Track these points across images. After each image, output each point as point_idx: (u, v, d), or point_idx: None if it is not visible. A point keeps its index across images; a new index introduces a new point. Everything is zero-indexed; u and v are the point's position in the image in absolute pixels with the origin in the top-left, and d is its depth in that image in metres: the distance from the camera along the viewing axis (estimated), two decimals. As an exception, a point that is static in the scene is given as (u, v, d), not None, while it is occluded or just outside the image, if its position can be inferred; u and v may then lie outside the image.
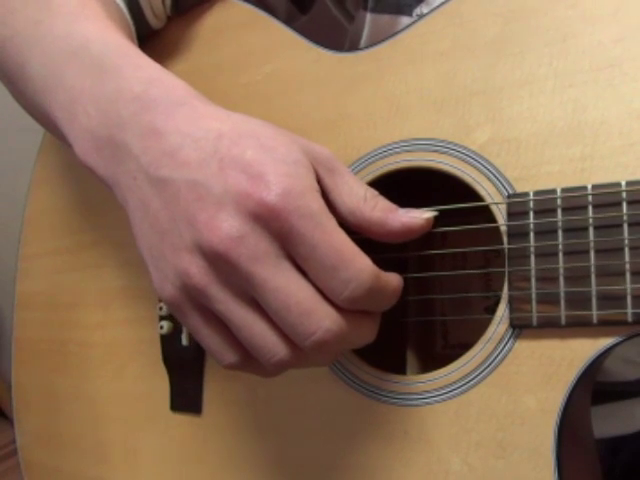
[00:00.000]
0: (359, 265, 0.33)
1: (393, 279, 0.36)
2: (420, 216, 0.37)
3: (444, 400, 0.40)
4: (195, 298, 0.35)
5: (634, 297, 0.34)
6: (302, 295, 0.33)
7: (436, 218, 0.43)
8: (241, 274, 0.33)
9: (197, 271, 0.34)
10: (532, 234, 0.38)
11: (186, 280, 0.34)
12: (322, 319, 0.33)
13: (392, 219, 0.37)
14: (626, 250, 0.35)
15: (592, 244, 0.36)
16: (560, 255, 0.37)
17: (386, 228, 0.37)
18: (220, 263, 0.33)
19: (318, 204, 0.33)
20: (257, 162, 0.33)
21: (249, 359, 0.36)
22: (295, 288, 0.33)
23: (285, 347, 0.34)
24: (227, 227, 0.33)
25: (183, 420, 0.52)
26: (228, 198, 0.33)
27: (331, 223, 0.34)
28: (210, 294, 0.34)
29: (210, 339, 0.36)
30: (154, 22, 0.55)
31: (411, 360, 0.53)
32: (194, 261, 0.34)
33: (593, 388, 0.41)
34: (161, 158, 0.35)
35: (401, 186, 0.48)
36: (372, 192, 0.38)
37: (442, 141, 0.42)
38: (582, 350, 0.36)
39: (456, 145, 0.42)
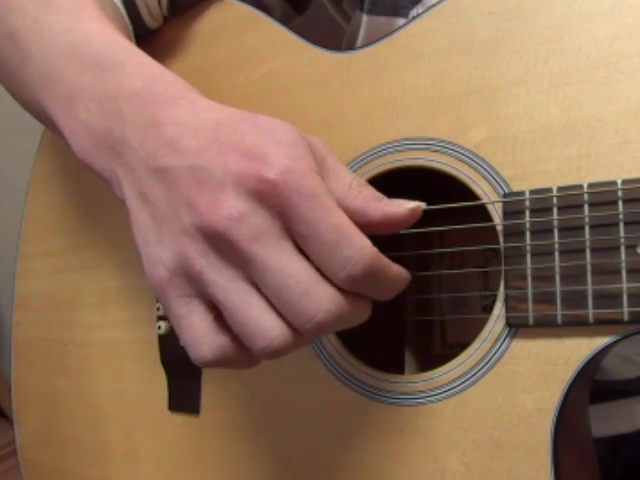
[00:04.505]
0: (360, 242, 0.33)
1: (396, 265, 0.36)
2: (404, 206, 0.36)
3: (441, 400, 0.40)
4: (187, 282, 0.34)
5: (630, 296, 0.34)
6: (303, 275, 0.33)
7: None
8: (241, 254, 0.33)
9: (196, 253, 0.33)
10: (528, 233, 0.37)
11: (183, 262, 0.34)
12: (323, 300, 0.33)
13: (373, 208, 0.35)
14: (622, 249, 0.35)
15: (588, 243, 0.36)
16: (556, 254, 0.37)
17: (366, 218, 0.35)
18: (220, 244, 0.33)
19: (318, 184, 0.33)
20: (256, 145, 0.33)
21: (230, 350, 0.35)
22: (296, 268, 0.33)
23: (283, 332, 0.33)
24: (228, 207, 0.32)
25: (181, 420, 0.52)
26: (229, 179, 0.33)
27: (331, 203, 0.33)
28: (206, 277, 0.34)
29: (190, 328, 0.35)
30: (150, 22, 0.55)
31: (409, 359, 0.53)
32: (193, 244, 0.34)
33: (592, 387, 0.41)
34: (160, 149, 0.35)
35: (399, 185, 0.48)
36: (359, 181, 0.36)
37: (438, 140, 0.42)
38: (578, 349, 0.36)
39: (452, 144, 0.42)
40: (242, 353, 0.35)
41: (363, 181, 0.37)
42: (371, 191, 0.36)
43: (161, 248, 0.35)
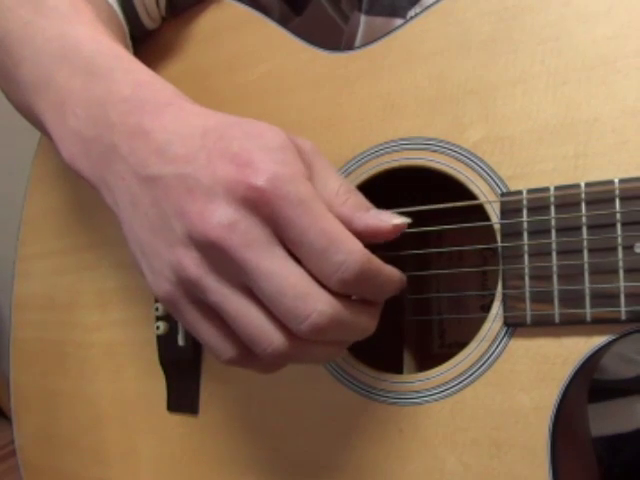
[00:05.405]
0: (349, 247, 0.33)
1: (389, 267, 0.36)
2: (389, 221, 0.36)
3: (439, 399, 0.40)
4: (190, 292, 0.35)
5: (627, 295, 0.34)
6: (296, 279, 0.33)
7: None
8: (234, 261, 0.33)
9: (190, 262, 0.34)
10: (525, 232, 0.38)
11: (180, 273, 0.34)
12: (317, 301, 0.33)
13: (358, 218, 0.35)
14: (619, 248, 0.35)
15: (585, 242, 0.36)
16: (554, 253, 0.37)
17: (350, 227, 0.35)
18: (213, 252, 0.33)
19: (307, 189, 0.33)
20: (244, 151, 0.33)
21: (247, 353, 0.35)
22: (289, 272, 0.33)
23: (281, 335, 0.34)
24: (218, 215, 0.33)
25: (180, 420, 0.52)
26: (218, 187, 0.33)
27: (320, 207, 0.33)
28: (204, 285, 0.34)
29: (208, 334, 0.36)
30: (148, 23, 0.55)
31: (408, 359, 0.53)
32: (187, 253, 0.34)
33: (591, 386, 0.41)
34: (149, 157, 0.35)
35: (397, 185, 0.48)
36: (347, 187, 0.36)
37: (436, 140, 0.42)
38: (576, 348, 0.36)
39: (450, 144, 0.42)
40: (256, 357, 0.35)
41: (351, 187, 0.37)
42: (359, 199, 0.36)
43: (159, 261, 0.35)
